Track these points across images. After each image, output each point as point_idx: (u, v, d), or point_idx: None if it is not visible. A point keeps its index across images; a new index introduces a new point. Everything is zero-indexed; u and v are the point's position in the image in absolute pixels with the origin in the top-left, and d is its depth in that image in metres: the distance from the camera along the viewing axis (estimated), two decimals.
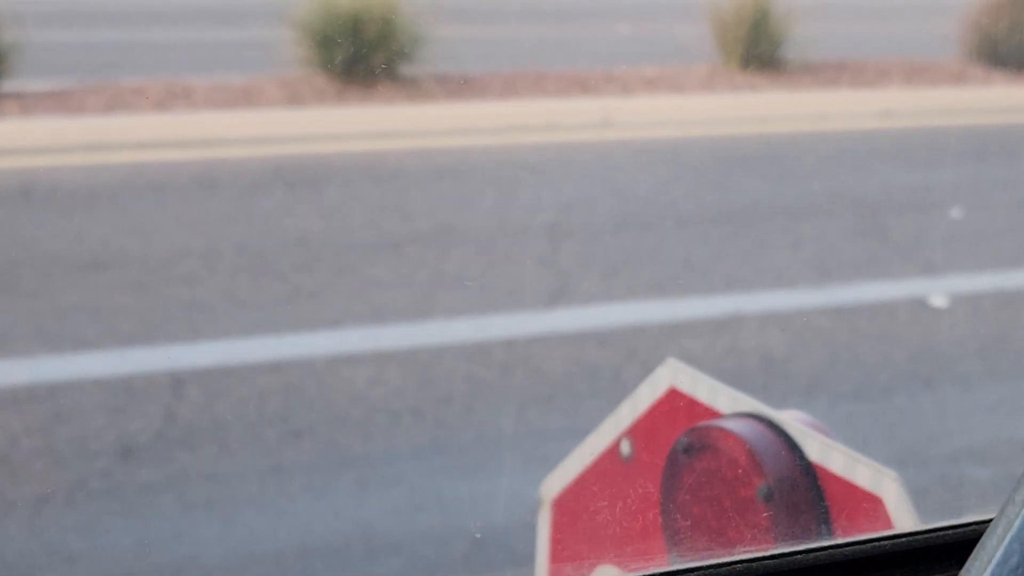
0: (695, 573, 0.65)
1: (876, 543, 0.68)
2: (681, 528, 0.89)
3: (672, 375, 0.97)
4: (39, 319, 3.38)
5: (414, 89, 5.37)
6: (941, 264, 4.20)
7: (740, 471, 0.88)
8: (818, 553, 0.66)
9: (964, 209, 4.62)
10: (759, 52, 6.01)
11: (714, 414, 0.94)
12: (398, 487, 2.80)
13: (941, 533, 0.69)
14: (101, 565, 2.55)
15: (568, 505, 1.00)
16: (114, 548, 2.59)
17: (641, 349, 3.42)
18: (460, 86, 5.52)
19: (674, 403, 0.96)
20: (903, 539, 0.68)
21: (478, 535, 2.67)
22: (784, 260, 4.10)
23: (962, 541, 0.65)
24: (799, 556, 0.66)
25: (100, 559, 2.56)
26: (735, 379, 3.28)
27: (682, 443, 0.91)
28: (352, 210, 4.22)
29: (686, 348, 3.44)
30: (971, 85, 6.21)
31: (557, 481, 1.01)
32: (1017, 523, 0.34)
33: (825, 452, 0.88)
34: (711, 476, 0.91)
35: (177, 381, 3.10)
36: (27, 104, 4.85)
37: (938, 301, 3.86)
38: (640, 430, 0.97)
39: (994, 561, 0.33)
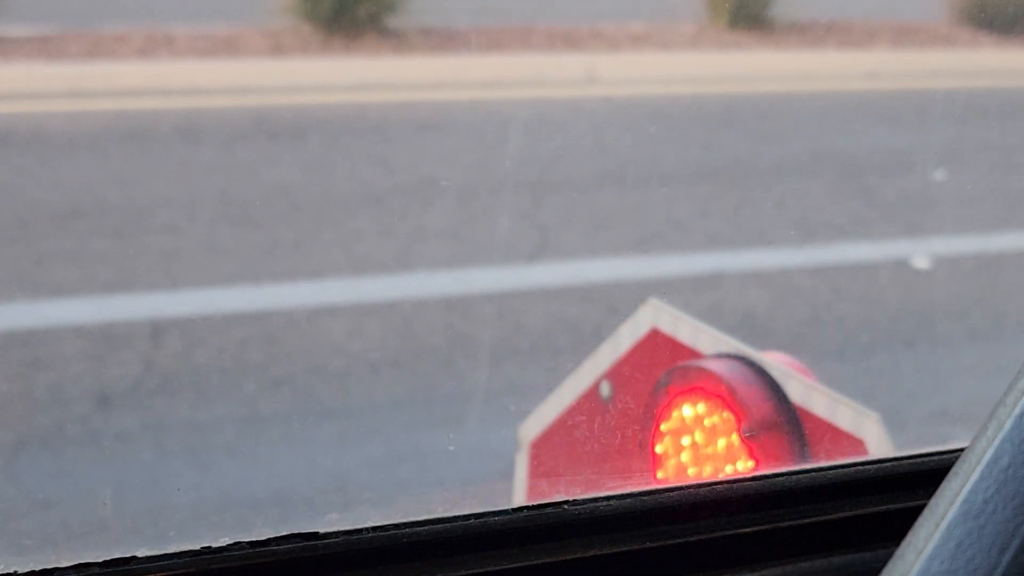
0: (676, 492, 0.64)
1: (859, 467, 0.68)
2: (660, 468, 0.89)
3: (654, 315, 0.96)
4: (17, 265, 3.37)
5: (399, 41, 5.34)
6: (924, 226, 4.20)
7: (721, 411, 0.88)
8: (800, 476, 0.66)
9: (948, 171, 4.62)
10: (747, 10, 5.99)
11: (696, 354, 0.93)
12: (376, 438, 2.80)
13: (924, 459, 0.68)
14: (77, 511, 2.54)
15: (546, 447, 0.99)
16: (90, 494, 2.59)
17: (622, 305, 3.41)
18: (445, 39, 5.48)
19: (655, 344, 0.95)
20: (887, 464, 0.68)
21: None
22: (767, 219, 4.10)
23: (946, 467, 0.64)
24: (781, 478, 0.66)
25: (76, 505, 2.56)
26: None
27: (662, 383, 0.91)
28: (334, 162, 4.20)
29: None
30: (958, 48, 6.20)
31: (535, 423, 1.00)
32: (1008, 424, 0.34)
33: (807, 393, 0.87)
34: (692, 416, 0.90)
35: (156, 329, 3.09)
36: (7, 49, 4.81)
37: (920, 263, 3.86)
38: (620, 371, 0.96)
39: (983, 461, 0.33)
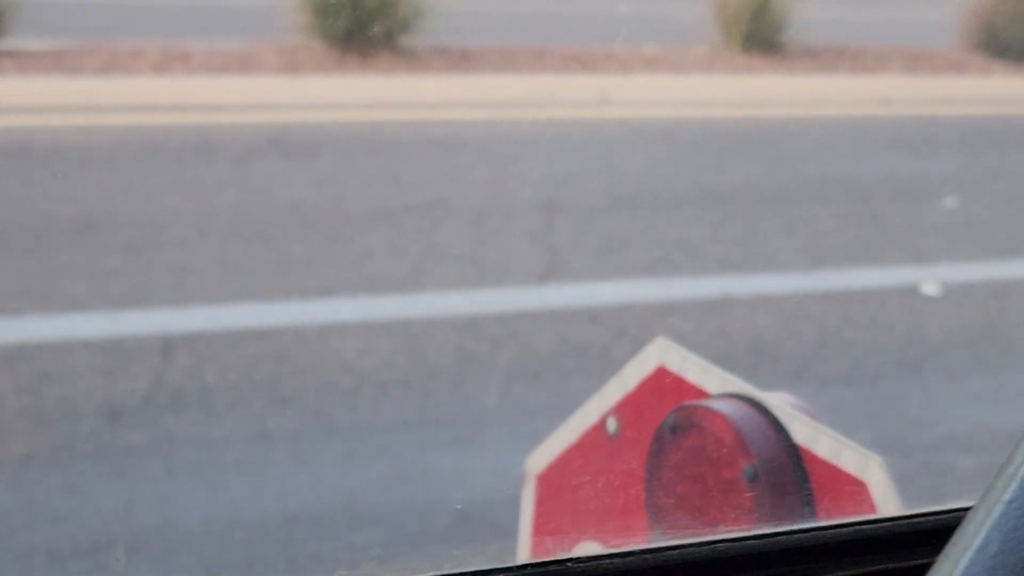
0: (678, 550, 0.65)
1: (859, 527, 0.68)
2: (664, 506, 0.90)
3: (661, 354, 0.97)
4: (30, 278, 3.38)
5: (413, 60, 5.36)
6: (934, 253, 4.20)
7: (726, 451, 0.89)
8: (801, 535, 0.67)
9: (958, 199, 4.63)
10: (760, 35, 6.00)
11: (702, 394, 0.94)
12: (384, 458, 2.81)
13: (924, 519, 0.69)
14: (85, 526, 2.55)
15: (552, 480, 1.00)
16: (99, 509, 2.59)
17: (631, 328, 3.42)
18: (459, 59, 5.50)
19: (662, 382, 0.96)
20: (886, 523, 0.69)
21: (459, 507, 2.67)
22: (776, 244, 4.10)
23: (944, 527, 0.65)
24: (782, 537, 0.67)
25: (85, 520, 2.56)
26: (724, 361, 3.28)
27: (669, 422, 0.92)
28: (347, 179, 4.21)
29: (675, 328, 3.44)
30: (970, 75, 6.21)
31: (542, 456, 1.01)
32: (998, 510, 0.35)
33: (812, 435, 0.88)
34: (696, 455, 0.91)
35: (167, 345, 3.10)
36: (24, 63, 4.83)
37: (929, 289, 3.86)
38: (627, 408, 0.97)
39: (973, 547, 0.34)
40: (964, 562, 0.33)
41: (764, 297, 3.74)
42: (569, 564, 0.64)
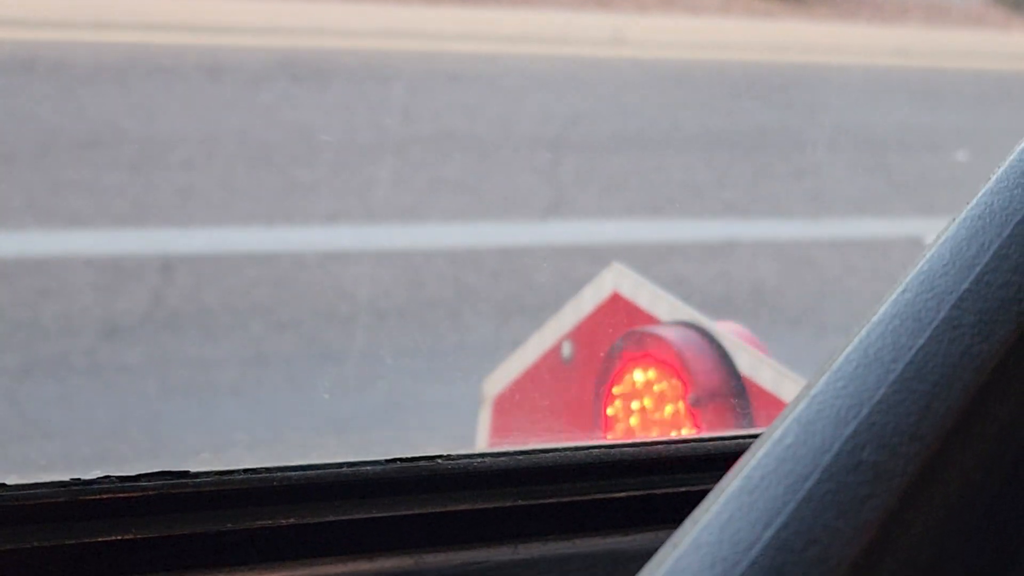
0: (551, 453, 0.65)
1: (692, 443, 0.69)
2: (611, 430, 0.90)
3: (615, 280, 0.97)
4: (33, 193, 3.38)
5: None
6: (940, 205, 4.18)
7: (670, 378, 0.89)
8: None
9: (970, 152, 4.60)
10: None
11: (652, 320, 0.94)
12: (377, 386, 2.82)
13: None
14: (78, 441, 2.56)
15: (509, 402, 1.00)
16: (92, 426, 2.61)
17: (632, 268, 3.40)
18: None
19: (616, 307, 0.96)
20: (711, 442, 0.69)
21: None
22: (784, 190, 4.09)
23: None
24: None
25: (78, 435, 2.58)
26: (724, 305, 3.28)
27: (617, 347, 0.92)
28: (356, 108, 4.20)
29: (678, 270, 3.43)
30: (990, 29, 6.16)
31: (499, 379, 1.01)
32: (801, 404, 0.35)
33: (755, 365, 0.88)
34: (643, 381, 0.91)
35: (167, 265, 3.11)
36: None
37: None
38: (582, 332, 0.97)
39: (772, 438, 0.34)
40: (760, 452, 0.34)
41: (768, 242, 3.73)
42: (440, 460, 0.64)
